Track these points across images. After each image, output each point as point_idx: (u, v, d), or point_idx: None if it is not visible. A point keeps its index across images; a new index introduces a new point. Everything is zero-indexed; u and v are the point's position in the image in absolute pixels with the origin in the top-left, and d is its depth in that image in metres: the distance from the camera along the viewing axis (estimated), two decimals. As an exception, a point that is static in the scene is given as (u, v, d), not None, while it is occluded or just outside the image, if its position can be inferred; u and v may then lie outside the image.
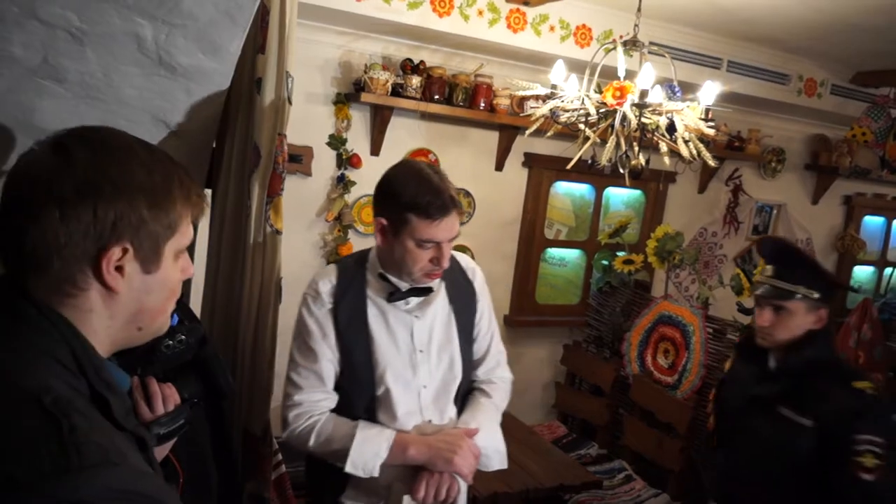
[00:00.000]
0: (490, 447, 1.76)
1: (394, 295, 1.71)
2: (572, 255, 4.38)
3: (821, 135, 5.00)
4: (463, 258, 1.90)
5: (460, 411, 1.81)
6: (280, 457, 2.54)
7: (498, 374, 1.90)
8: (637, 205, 4.51)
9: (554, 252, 4.30)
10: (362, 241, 3.54)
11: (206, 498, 1.53)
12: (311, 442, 1.67)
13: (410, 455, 1.64)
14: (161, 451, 1.27)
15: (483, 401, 1.83)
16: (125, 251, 0.83)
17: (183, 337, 1.27)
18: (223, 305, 1.97)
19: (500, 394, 1.87)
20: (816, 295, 1.91)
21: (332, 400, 1.72)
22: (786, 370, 1.96)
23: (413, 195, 1.60)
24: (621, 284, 3.96)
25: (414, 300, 1.73)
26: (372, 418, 1.71)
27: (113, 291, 0.84)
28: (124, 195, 0.83)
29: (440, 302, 1.77)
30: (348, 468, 1.62)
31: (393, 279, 1.71)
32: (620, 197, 4.44)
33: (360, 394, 1.71)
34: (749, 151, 4.56)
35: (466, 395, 1.85)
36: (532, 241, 4.11)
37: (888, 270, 5.73)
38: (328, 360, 1.70)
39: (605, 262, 4.15)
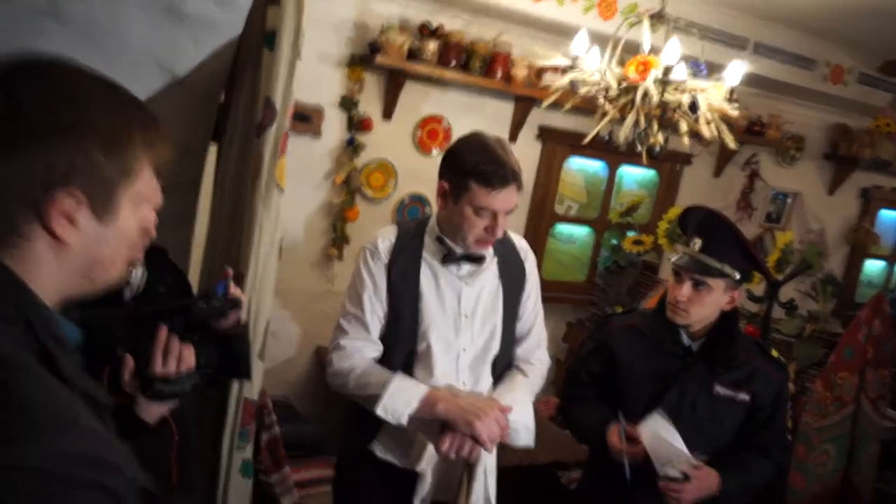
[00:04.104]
0: (519, 422, 1.81)
1: (448, 257, 1.80)
2: (581, 232, 4.32)
3: (843, 124, 4.89)
4: (518, 239, 1.99)
5: (496, 385, 1.88)
6: (274, 417, 2.53)
7: (537, 355, 1.98)
8: (650, 185, 4.43)
9: (563, 228, 4.24)
10: (369, 206, 3.49)
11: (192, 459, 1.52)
12: (349, 383, 1.75)
13: (439, 410, 1.69)
14: (160, 409, 1.25)
15: (519, 378, 1.90)
16: (76, 199, 0.77)
17: (218, 304, 1.29)
18: (221, 263, 1.93)
19: (536, 375, 1.95)
20: (738, 276, 1.89)
21: (375, 349, 1.81)
22: (714, 350, 1.94)
23: (477, 162, 1.68)
24: (629, 265, 3.91)
25: (466, 267, 1.82)
26: (408, 373, 1.78)
27: (62, 242, 0.78)
28: (77, 138, 0.76)
29: (490, 274, 1.86)
30: (378, 411, 1.69)
31: (449, 243, 1.80)
32: (634, 176, 4.36)
33: (401, 347, 1.79)
34: (769, 137, 4.46)
35: (504, 371, 1.91)
36: (542, 215, 4.05)
37: (900, 266, 5.66)
38: (376, 311, 1.79)
39: (614, 242, 4.09)
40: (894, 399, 3.18)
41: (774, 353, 2.06)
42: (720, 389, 1.93)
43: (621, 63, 2.41)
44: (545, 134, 3.89)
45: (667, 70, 2.18)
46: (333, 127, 3.33)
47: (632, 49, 2.50)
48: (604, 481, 2.06)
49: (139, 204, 0.85)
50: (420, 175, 3.54)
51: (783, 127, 4.53)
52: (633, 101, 2.27)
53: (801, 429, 2.89)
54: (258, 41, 1.71)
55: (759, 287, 3.39)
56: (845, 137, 4.87)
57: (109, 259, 0.83)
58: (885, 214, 5.50)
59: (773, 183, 4.80)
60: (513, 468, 2.72)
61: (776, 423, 1.99)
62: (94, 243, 0.80)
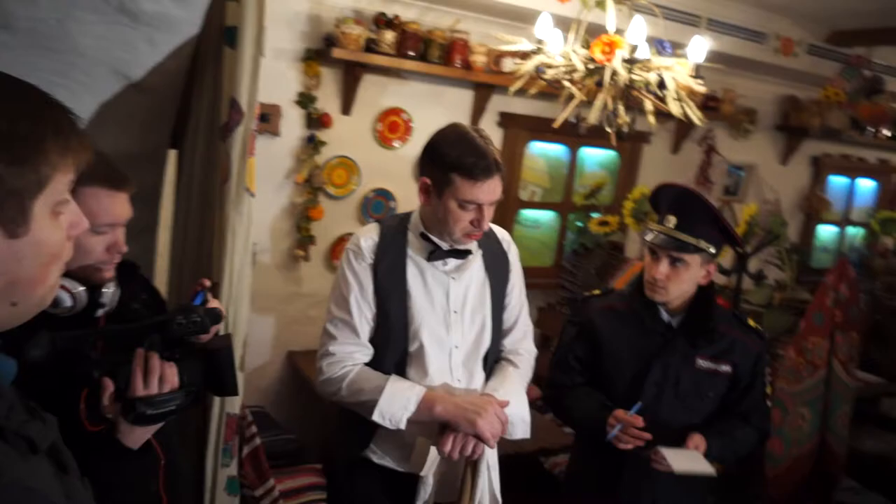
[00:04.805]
0: (515, 415, 1.78)
1: (434, 254, 1.75)
2: (546, 216, 4.32)
3: (792, 95, 4.99)
4: (500, 231, 1.96)
5: (487, 379, 1.85)
6: (254, 429, 2.46)
7: (524, 346, 1.96)
8: (611, 166, 4.45)
9: (528, 214, 4.23)
10: (333, 204, 3.41)
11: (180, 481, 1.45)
12: (343, 391, 1.70)
13: (437, 412, 1.66)
14: (144, 433, 1.19)
15: (511, 370, 1.87)
16: None
17: (198, 319, 1.23)
18: (192, 274, 1.85)
19: (525, 365, 1.93)
20: (713, 250, 1.91)
21: (366, 353, 1.75)
22: (693, 324, 1.96)
23: (458, 156, 1.64)
24: (595, 246, 3.92)
25: (452, 262, 1.78)
26: (401, 374, 1.74)
27: None
28: None
29: (477, 267, 1.83)
30: (375, 417, 1.65)
31: (434, 239, 1.75)
32: (595, 158, 4.37)
33: (393, 349, 1.75)
34: (724, 112, 4.52)
35: (494, 364, 1.89)
36: (507, 203, 4.03)
37: (851, 230, 5.82)
38: (364, 314, 1.74)
39: (579, 224, 4.10)
40: (863, 360, 3.26)
41: (752, 322, 2.08)
42: (702, 362, 1.96)
43: (586, 45, 2.39)
44: (506, 120, 3.86)
45: (633, 49, 2.16)
46: (292, 125, 3.24)
47: (591, 32, 2.48)
48: (593, 466, 2.06)
49: (59, 212, 0.76)
50: (383, 169, 3.48)
51: (736, 101, 4.59)
52: (599, 83, 2.25)
53: (776, 395, 2.94)
54: (218, 39, 1.63)
55: (725, 259, 3.44)
56: (795, 108, 4.97)
57: (32, 277, 0.74)
58: (835, 181, 5.65)
59: (728, 156, 4.87)
60: (501, 457, 2.69)
61: (755, 390, 2.02)
62: (9, 261, 0.71)
